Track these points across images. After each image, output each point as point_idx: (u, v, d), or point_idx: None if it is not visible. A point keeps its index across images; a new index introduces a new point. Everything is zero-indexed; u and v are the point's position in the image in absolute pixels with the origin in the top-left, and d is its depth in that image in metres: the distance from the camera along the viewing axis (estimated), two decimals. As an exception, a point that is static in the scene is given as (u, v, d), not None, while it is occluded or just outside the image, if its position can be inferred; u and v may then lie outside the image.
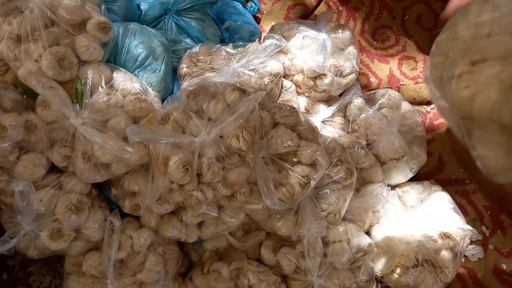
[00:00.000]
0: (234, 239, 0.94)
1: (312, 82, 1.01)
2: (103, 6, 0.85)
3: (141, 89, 0.81)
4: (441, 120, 1.12)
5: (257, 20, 1.29)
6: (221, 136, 0.75)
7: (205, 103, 0.76)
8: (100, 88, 0.80)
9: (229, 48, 1.00)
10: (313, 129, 0.84)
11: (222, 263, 0.92)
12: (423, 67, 1.19)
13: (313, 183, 0.81)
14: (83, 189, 0.84)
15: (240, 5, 1.15)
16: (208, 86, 0.80)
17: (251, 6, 1.24)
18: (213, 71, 0.94)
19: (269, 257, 0.92)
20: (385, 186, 0.96)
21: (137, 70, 0.89)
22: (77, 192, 0.83)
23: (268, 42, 0.95)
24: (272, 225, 0.89)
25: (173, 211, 0.88)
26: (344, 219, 0.96)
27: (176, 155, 0.73)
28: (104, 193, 0.91)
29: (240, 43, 1.06)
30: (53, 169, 0.84)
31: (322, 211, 0.88)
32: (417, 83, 1.17)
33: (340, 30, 1.06)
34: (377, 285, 0.98)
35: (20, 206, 0.76)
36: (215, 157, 0.74)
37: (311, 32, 1.03)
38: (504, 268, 0.97)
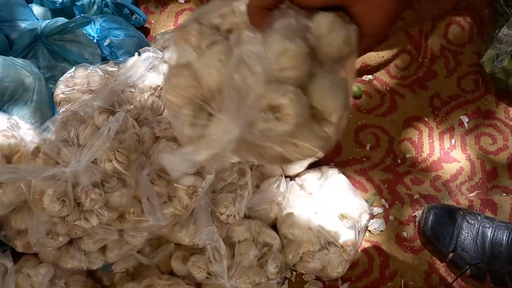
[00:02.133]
0: (143, 256, 0.94)
1: (199, 88, 1.02)
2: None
3: (8, 125, 0.78)
4: (334, 105, 1.17)
5: (147, 31, 1.28)
6: (95, 162, 0.74)
7: (73, 129, 0.75)
8: (-38, 131, 0.76)
9: (109, 66, 0.99)
10: (194, 138, 0.84)
11: (133, 283, 0.91)
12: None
13: (201, 191, 0.81)
14: (-34, 237, 0.80)
15: (122, 19, 1.14)
16: (77, 112, 0.79)
17: (136, 18, 1.23)
18: (92, 93, 0.92)
19: (180, 268, 0.93)
20: (282, 178, 0.99)
21: (7, 104, 0.85)
22: (-41, 242, 0.79)
23: (144, 55, 0.95)
24: (175, 236, 0.89)
25: (70, 241, 0.86)
26: (248, 217, 0.98)
27: (48, 189, 0.71)
28: (-5, 237, 0.87)
29: (121, 59, 1.05)
30: None
31: (221, 214, 0.89)
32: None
33: (221, 33, 1.07)
34: (291, 273, 1.02)
35: None
36: (91, 183, 0.73)
37: (191, 39, 1.03)
38: (405, 235, 1.04)
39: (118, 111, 0.77)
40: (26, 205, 0.83)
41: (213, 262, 0.89)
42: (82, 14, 1.13)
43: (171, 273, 0.97)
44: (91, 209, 0.74)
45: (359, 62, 1.18)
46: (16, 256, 0.88)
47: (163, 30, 1.26)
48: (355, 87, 1.17)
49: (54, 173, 0.71)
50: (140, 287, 0.89)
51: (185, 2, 1.30)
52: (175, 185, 0.80)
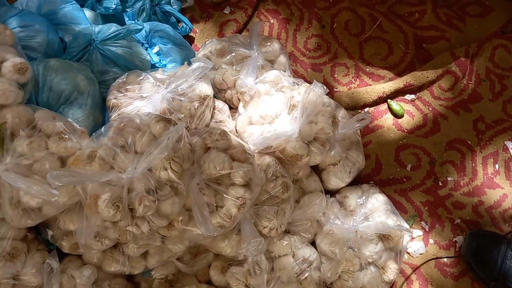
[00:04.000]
0: (182, 264, 0.94)
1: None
2: (18, 47, 0.83)
3: (64, 127, 0.80)
4: (376, 123, 1.16)
5: (191, 39, 1.29)
6: (150, 169, 0.75)
7: (130, 136, 0.76)
8: (21, 131, 0.78)
9: (158, 74, 1.00)
10: (244, 151, 0.85)
11: (171, 291, 0.91)
12: (354, 73, 1.23)
13: (249, 203, 0.82)
14: (17, 234, 0.82)
15: (170, 28, 1.15)
16: (133, 119, 0.80)
17: (182, 26, 1.24)
18: (143, 100, 0.93)
19: (218, 278, 0.93)
20: (323, 194, 0.99)
21: (62, 107, 0.87)
22: (10, 238, 0.80)
23: (195, 65, 0.96)
24: (217, 246, 0.89)
25: (115, 245, 0.87)
26: (288, 232, 0.97)
27: (104, 194, 0.72)
28: (41, 235, 0.88)
29: (171, 66, 1.06)
30: (-19, 217, 0.81)
31: (264, 227, 0.89)
32: (350, 88, 1.21)
33: (268, 43, 1.08)
34: (327, 291, 1.01)
35: None
36: (145, 190, 0.74)
37: (242, 50, 1.04)
38: (445, 260, 1.02)
39: (174, 121, 0.78)
40: (76, 207, 0.84)
41: (253, 275, 0.88)
42: (133, 21, 1.14)
43: (208, 282, 0.96)
44: (143, 215, 0.75)
45: (402, 81, 1.17)
46: (60, 256, 0.89)
47: (207, 40, 1.27)
48: (397, 106, 1.16)
49: (111, 178, 0.72)
50: (179, 295, 0.90)
51: (230, 13, 1.31)
52: (224, 195, 0.81)
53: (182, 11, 1.31)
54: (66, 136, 0.79)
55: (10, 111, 0.78)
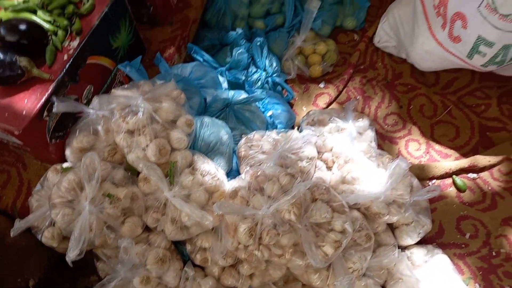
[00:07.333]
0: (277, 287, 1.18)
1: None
2: (186, 105, 1.15)
3: (215, 170, 1.09)
4: (441, 194, 1.38)
5: (290, 105, 1.59)
6: (276, 210, 1.01)
7: (265, 183, 1.03)
8: (186, 169, 1.07)
9: (274, 134, 1.29)
10: (343, 205, 1.10)
11: (267, 308, 1.15)
12: (425, 149, 1.47)
13: (343, 246, 1.06)
14: (166, 244, 1.10)
15: (280, 96, 1.46)
16: (265, 170, 1.08)
17: (287, 95, 1.54)
18: (264, 154, 1.22)
19: (305, 304, 1.16)
20: (396, 248, 1.21)
21: (209, 154, 1.17)
22: (162, 247, 1.08)
23: (305, 132, 1.24)
24: (308, 278, 1.13)
25: (232, 264, 1.13)
26: (364, 275, 1.20)
27: (244, 224, 0.99)
28: (178, 248, 1.16)
29: (282, 129, 1.35)
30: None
31: (349, 268, 1.12)
32: (420, 162, 1.45)
33: (361, 119, 1.35)
34: (390, 330, 1.20)
35: (124, 258, 1.01)
36: (272, 225, 1.00)
37: (340, 122, 1.32)
38: (494, 319, 1.19)
39: (297, 176, 1.05)
40: (211, 230, 1.11)
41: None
42: (251, 88, 1.46)
43: (294, 306, 1.19)
44: (266, 244, 1.01)
45: (467, 161, 1.39)
46: (186, 266, 1.15)
47: (304, 108, 1.56)
48: (461, 182, 1.38)
49: (251, 213, 0.99)
50: (274, 313, 1.13)
51: (324, 87, 1.61)
52: (325, 237, 1.05)
53: (286, 82, 1.63)
54: (217, 177, 1.07)
55: (179, 154, 1.08)
